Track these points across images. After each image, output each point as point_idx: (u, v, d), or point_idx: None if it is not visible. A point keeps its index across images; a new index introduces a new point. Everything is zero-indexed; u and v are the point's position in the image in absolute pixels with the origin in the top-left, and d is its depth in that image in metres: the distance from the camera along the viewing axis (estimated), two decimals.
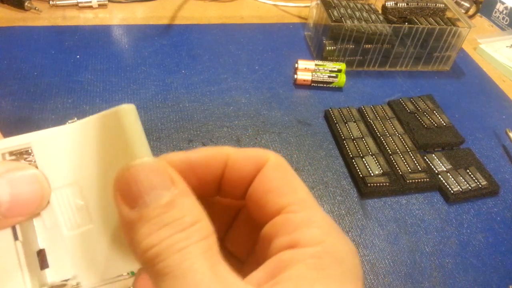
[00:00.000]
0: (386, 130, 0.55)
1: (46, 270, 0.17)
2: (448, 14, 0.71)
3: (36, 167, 0.17)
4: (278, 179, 0.17)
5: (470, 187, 0.49)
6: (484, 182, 0.50)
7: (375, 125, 0.55)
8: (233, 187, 0.18)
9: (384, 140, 0.53)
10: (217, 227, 0.16)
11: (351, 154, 0.51)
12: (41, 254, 0.17)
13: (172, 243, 0.14)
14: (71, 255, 0.17)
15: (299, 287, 0.14)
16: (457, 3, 0.84)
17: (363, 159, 0.50)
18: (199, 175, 0.17)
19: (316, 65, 0.63)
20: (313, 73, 0.62)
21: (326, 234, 0.16)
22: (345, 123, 0.55)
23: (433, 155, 0.53)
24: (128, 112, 0.17)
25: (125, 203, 0.15)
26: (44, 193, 0.16)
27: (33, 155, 0.17)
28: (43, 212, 0.17)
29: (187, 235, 0.14)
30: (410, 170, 0.50)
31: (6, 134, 0.20)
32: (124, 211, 0.15)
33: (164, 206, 0.14)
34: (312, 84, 0.62)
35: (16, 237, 0.17)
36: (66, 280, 0.17)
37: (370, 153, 0.51)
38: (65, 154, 0.17)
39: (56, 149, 0.17)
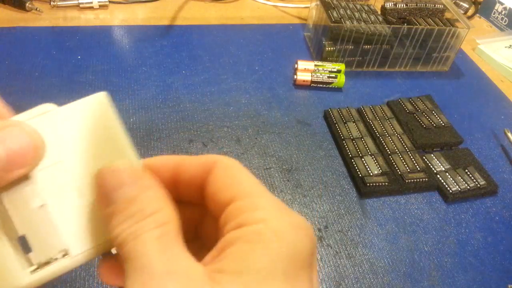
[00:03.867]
0: (385, 130, 0.55)
1: (30, 254, 0.18)
2: (447, 15, 0.71)
3: None
4: (225, 178, 0.18)
5: (468, 187, 0.50)
6: (482, 182, 0.50)
7: (374, 125, 0.55)
8: (188, 191, 0.20)
9: (383, 140, 0.53)
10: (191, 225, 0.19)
11: (351, 154, 0.51)
12: (22, 240, 0.18)
13: (131, 232, 0.16)
14: (59, 229, 0.18)
15: (236, 259, 0.15)
16: (456, 4, 0.84)
17: (362, 159, 0.51)
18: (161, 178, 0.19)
19: (315, 65, 0.63)
20: (313, 74, 0.62)
21: (270, 214, 0.17)
22: (345, 123, 0.55)
23: (432, 155, 0.53)
24: (105, 103, 0.19)
25: (102, 203, 0.17)
26: (36, 143, 0.17)
27: None
28: (27, 193, 0.18)
29: (143, 224, 0.16)
30: (409, 170, 0.50)
31: None
32: (102, 209, 0.17)
33: (127, 201, 0.17)
34: (312, 85, 0.62)
35: None
36: (51, 258, 0.19)
37: (369, 153, 0.52)
38: (49, 136, 0.18)
39: (41, 131, 0.18)
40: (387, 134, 0.54)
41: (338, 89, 0.63)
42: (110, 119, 0.19)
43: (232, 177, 0.18)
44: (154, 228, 0.16)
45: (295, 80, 0.62)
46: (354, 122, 0.55)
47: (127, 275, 0.16)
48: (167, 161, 0.20)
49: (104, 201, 0.17)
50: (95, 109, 0.19)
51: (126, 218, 0.17)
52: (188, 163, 0.19)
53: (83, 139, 0.18)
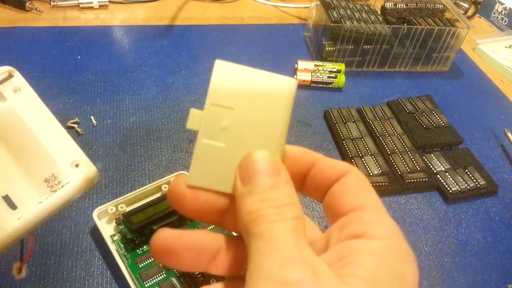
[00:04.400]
0: (385, 130, 0.55)
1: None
2: (447, 15, 0.71)
3: None
4: (357, 186, 0.20)
5: (468, 187, 0.50)
6: (482, 182, 0.50)
7: (374, 125, 0.55)
8: (315, 186, 0.21)
9: (383, 140, 0.53)
10: None
11: (351, 154, 0.51)
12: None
13: (267, 214, 0.18)
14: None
15: (364, 271, 0.16)
16: (456, 4, 0.84)
17: (362, 159, 0.51)
18: (289, 167, 0.20)
19: (315, 65, 0.63)
20: (313, 74, 0.62)
21: (393, 233, 0.18)
22: (345, 123, 0.55)
23: (432, 155, 0.53)
24: (291, 92, 0.20)
25: (241, 180, 0.19)
26: None
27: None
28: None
29: (280, 211, 0.18)
30: (409, 170, 0.50)
31: None
32: (238, 186, 0.19)
33: (268, 187, 0.18)
34: (312, 85, 0.62)
35: None
36: None
37: (369, 153, 0.51)
38: (237, 84, 0.20)
39: (234, 74, 0.21)
40: (387, 134, 0.54)
41: (338, 89, 0.63)
42: (285, 106, 0.20)
43: (363, 188, 0.20)
44: (290, 219, 0.18)
45: None
46: (354, 122, 0.55)
47: (256, 252, 0.17)
48: (307, 155, 0.21)
49: (244, 180, 0.19)
50: (281, 89, 0.20)
51: (265, 200, 0.18)
52: (326, 163, 0.21)
53: (256, 105, 0.20)
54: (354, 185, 0.20)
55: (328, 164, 0.21)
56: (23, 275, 0.26)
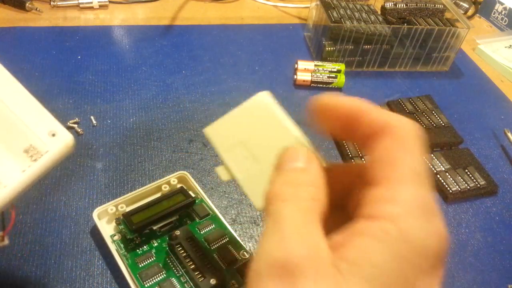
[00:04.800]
0: None
1: None
2: (447, 15, 0.71)
3: None
4: (389, 151, 0.18)
5: (468, 187, 0.50)
6: (482, 182, 0.50)
7: None
8: (357, 139, 0.20)
9: None
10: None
11: (351, 154, 0.51)
12: None
13: (283, 192, 0.18)
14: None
15: (359, 255, 0.16)
16: (456, 4, 0.84)
17: (363, 159, 0.51)
18: (333, 118, 0.21)
19: (315, 65, 0.63)
20: (313, 74, 0.62)
21: (407, 214, 0.16)
22: None
23: (432, 155, 0.53)
24: (268, 102, 0.24)
25: (276, 168, 0.20)
26: None
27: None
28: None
29: (296, 190, 0.18)
30: None
31: None
32: (273, 173, 0.20)
33: (294, 168, 0.19)
34: (312, 85, 0.62)
35: None
36: None
37: None
38: (232, 125, 0.25)
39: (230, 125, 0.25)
40: None
41: (338, 89, 0.63)
42: (272, 110, 0.24)
43: (395, 154, 0.17)
44: (304, 200, 0.17)
45: (295, 80, 0.62)
46: None
47: (265, 231, 0.17)
48: (344, 104, 0.20)
49: (276, 167, 0.20)
50: (259, 103, 0.24)
51: (285, 181, 0.18)
52: (366, 117, 0.19)
53: (254, 124, 0.23)
54: (385, 148, 0.18)
55: (369, 119, 0.19)
56: (6, 242, 0.26)
